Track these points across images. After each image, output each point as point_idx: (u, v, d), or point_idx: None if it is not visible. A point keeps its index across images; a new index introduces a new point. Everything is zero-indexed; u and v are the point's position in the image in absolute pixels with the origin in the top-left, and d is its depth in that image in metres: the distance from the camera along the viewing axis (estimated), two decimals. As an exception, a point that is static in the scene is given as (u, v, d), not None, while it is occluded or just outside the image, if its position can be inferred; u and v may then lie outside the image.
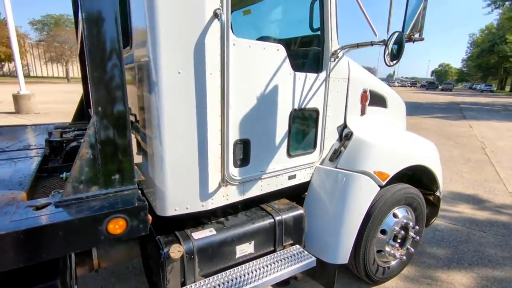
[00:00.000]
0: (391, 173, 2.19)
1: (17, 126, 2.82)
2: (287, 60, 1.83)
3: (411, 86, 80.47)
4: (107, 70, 1.13)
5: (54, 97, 17.84)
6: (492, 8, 27.91)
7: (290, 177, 2.09)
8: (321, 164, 2.26)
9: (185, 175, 1.55)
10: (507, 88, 65.71)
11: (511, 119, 14.37)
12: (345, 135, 2.30)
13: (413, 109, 17.48)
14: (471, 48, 74.80)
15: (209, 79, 1.50)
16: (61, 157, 1.88)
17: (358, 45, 2.00)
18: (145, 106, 1.55)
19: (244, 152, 1.78)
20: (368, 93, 2.47)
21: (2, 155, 1.81)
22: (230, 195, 1.77)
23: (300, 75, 1.94)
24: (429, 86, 64.99)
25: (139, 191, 1.28)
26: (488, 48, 58.91)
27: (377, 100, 2.60)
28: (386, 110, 2.74)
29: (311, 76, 2.01)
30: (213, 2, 1.44)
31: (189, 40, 1.42)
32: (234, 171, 1.74)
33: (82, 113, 3.14)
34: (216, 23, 1.46)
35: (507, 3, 25.86)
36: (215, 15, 1.45)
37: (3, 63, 43.64)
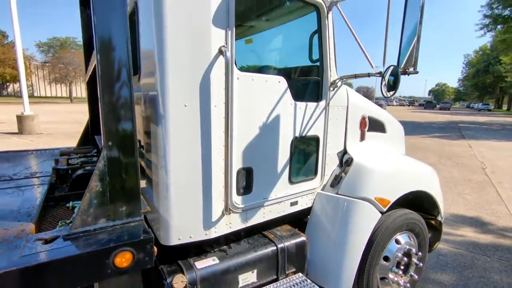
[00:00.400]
0: (392, 199, 2.21)
1: (23, 151, 2.87)
2: (288, 91, 1.91)
3: (409, 105, 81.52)
4: (119, 107, 1.20)
5: (57, 117, 18.06)
6: (484, 31, 28.85)
7: (292, 204, 2.11)
8: (322, 190, 2.29)
9: (189, 204, 1.57)
10: (504, 107, 66.58)
11: (509, 139, 14.46)
12: (345, 161, 2.35)
13: (412, 128, 17.63)
14: (467, 68, 76.55)
15: (214, 111, 1.57)
16: (67, 185, 1.92)
17: (356, 76, 2.09)
18: (151, 135, 1.61)
19: (247, 180, 1.81)
20: (367, 119, 2.54)
21: (10, 183, 1.84)
22: (233, 223, 1.78)
23: (301, 105, 2.01)
24: (427, 105, 65.92)
25: (145, 222, 1.31)
26: (483, 68, 60.27)
27: (376, 125, 2.67)
28: (385, 135, 2.80)
29: (311, 105, 2.08)
30: (219, 39, 1.53)
31: (196, 75, 1.50)
32: (237, 199, 1.77)
33: (87, 137, 3.20)
34: (221, 59, 1.55)
35: (498, 26, 26.74)
36: (220, 52, 1.54)
37: (8, 84, 44.51)
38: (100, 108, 1.20)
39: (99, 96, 1.20)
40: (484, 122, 26.07)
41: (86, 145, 3.09)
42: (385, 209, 2.17)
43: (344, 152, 2.40)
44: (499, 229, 4.21)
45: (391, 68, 1.77)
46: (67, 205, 1.67)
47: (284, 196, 2.03)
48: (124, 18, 1.26)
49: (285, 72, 2.47)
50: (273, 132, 1.88)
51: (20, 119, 11.56)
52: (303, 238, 2.09)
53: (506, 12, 25.06)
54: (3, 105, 27.18)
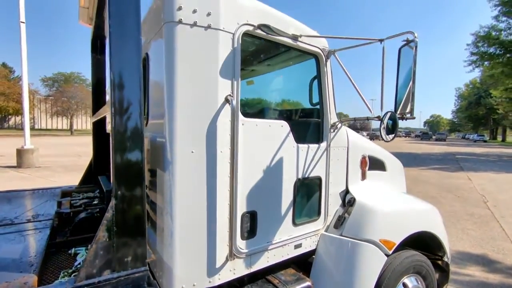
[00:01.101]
0: (397, 241, 2.18)
1: (24, 190, 2.86)
2: (291, 135, 1.97)
3: (405, 136, 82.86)
4: (131, 164, 1.24)
5: (56, 150, 18.09)
6: (473, 67, 30.14)
7: (296, 246, 2.08)
8: (326, 231, 2.27)
9: (194, 252, 1.55)
10: (499, 138, 67.58)
11: (508, 170, 14.50)
12: (348, 201, 2.35)
13: (410, 160, 17.72)
14: (459, 101, 78.85)
15: (220, 156, 1.61)
16: (69, 229, 1.89)
17: (355, 119, 2.17)
18: (157, 179, 1.63)
19: (251, 224, 1.80)
20: (367, 158, 2.59)
21: (11, 227, 1.82)
22: (237, 269, 1.74)
23: (303, 147, 2.06)
24: (423, 136, 67.20)
25: (149, 272, 1.29)
26: (475, 100, 62.17)
27: (376, 164, 2.71)
28: (385, 173, 2.83)
29: (313, 147, 2.13)
30: (225, 89, 1.62)
31: (203, 122, 1.56)
32: (241, 244, 1.75)
33: (89, 176, 3.19)
34: (227, 107, 1.62)
35: (486, 62, 27.99)
36: (227, 100, 1.62)
37: (10, 117, 45.17)
38: (111, 162, 1.23)
39: (111, 149, 1.24)
40: (480, 153, 26.27)
41: (88, 184, 3.08)
42: (390, 252, 2.13)
43: (346, 191, 2.41)
44: (508, 268, 4.08)
45: (389, 113, 1.85)
46: (69, 252, 1.64)
47: (288, 239, 2.00)
48: (138, 71, 1.34)
49: (287, 115, 2.56)
50: (276, 175, 1.91)
51: (20, 152, 11.57)
52: (308, 283, 2.02)
53: (492, 50, 26.37)
54: (4, 137, 27.35)
